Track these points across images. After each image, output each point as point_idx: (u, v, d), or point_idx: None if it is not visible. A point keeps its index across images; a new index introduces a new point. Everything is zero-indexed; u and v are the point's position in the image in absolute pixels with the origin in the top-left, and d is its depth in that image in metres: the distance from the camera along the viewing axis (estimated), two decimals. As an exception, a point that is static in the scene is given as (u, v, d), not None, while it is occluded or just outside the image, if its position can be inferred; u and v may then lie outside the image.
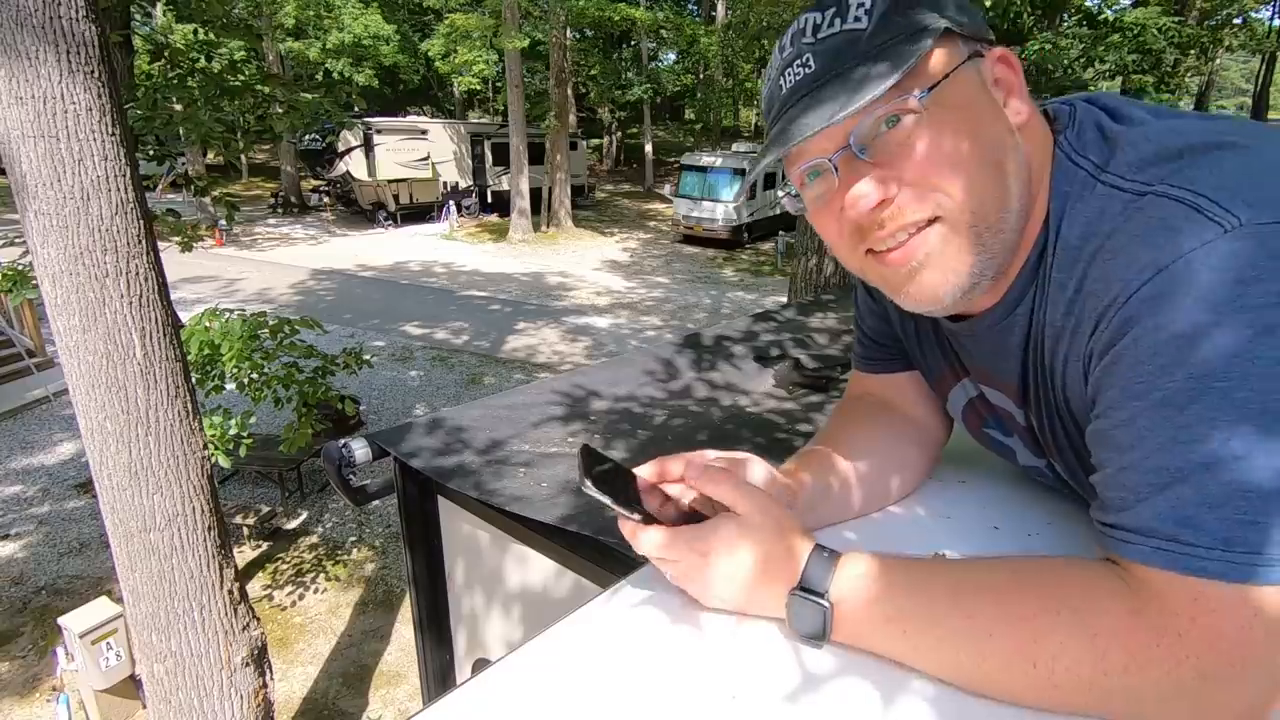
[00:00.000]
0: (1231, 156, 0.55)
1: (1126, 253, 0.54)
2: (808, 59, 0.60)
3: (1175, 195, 0.53)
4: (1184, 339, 0.49)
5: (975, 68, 0.61)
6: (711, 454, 0.71)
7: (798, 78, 0.61)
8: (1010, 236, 0.62)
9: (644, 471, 0.69)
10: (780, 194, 0.69)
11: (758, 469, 0.72)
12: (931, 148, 0.58)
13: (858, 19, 0.58)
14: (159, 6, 14.78)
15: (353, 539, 6.21)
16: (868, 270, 0.65)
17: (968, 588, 0.59)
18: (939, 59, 0.59)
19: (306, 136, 22.54)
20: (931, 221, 0.60)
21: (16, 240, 4.49)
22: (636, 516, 0.64)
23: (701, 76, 28.10)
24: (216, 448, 4.36)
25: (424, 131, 21.46)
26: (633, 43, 27.15)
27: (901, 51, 0.57)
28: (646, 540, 0.64)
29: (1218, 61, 21.74)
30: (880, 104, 0.57)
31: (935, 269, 0.61)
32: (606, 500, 0.63)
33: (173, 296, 3.14)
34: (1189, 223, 0.51)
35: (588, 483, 0.62)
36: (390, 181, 20.17)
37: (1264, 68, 23.36)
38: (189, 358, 3.81)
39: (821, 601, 0.60)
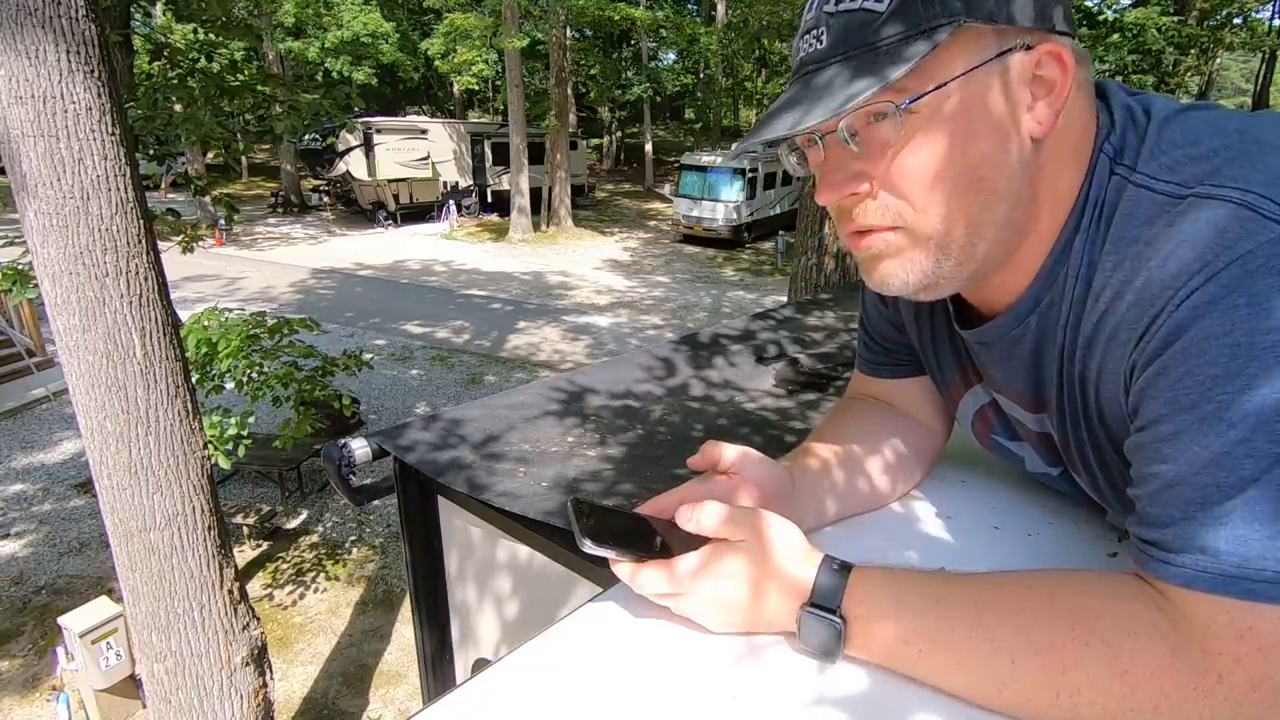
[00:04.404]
0: (1273, 151, 0.52)
1: (1174, 258, 0.51)
2: (821, 32, 0.57)
3: (1222, 195, 0.50)
4: (1240, 347, 0.46)
5: (1001, 66, 0.55)
6: (724, 447, 0.71)
7: (809, 50, 0.58)
8: (987, 251, 0.60)
9: (645, 510, 0.68)
10: (787, 154, 0.66)
11: (757, 463, 0.72)
12: (907, 157, 0.56)
13: None
14: (159, 6, 14.77)
15: (353, 539, 6.21)
16: (849, 247, 0.65)
17: (990, 608, 0.56)
18: (946, 60, 0.54)
19: (306, 136, 22.56)
20: (894, 228, 0.60)
21: (16, 240, 4.48)
22: (630, 558, 0.62)
23: (701, 76, 28.10)
24: (216, 448, 4.36)
25: (424, 131, 21.44)
26: (633, 42, 27.13)
27: (901, 53, 0.53)
28: (641, 581, 0.62)
29: (1218, 61, 21.73)
30: (862, 105, 0.54)
31: (891, 262, 0.62)
32: (612, 554, 0.61)
33: (174, 296, 3.14)
34: (1241, 222, 0.48)
35: (587, 543, 0.59)
36: (390, 181, 20.15)
37: (1264, 67, 23.34)
38: (187, 355, 3.81)
39: (834, 618, 0.58)
